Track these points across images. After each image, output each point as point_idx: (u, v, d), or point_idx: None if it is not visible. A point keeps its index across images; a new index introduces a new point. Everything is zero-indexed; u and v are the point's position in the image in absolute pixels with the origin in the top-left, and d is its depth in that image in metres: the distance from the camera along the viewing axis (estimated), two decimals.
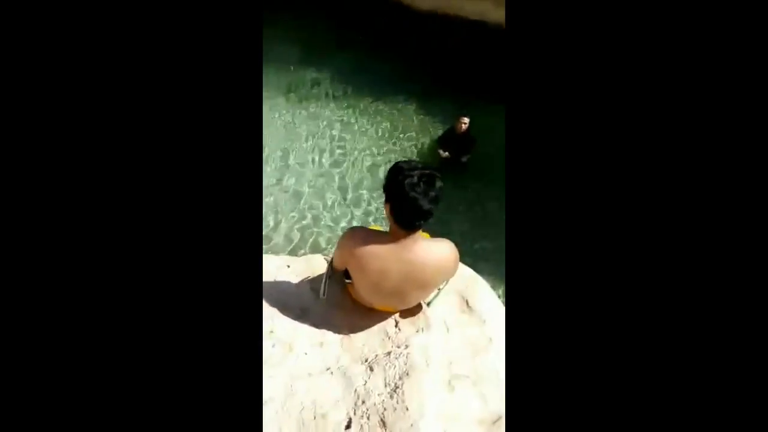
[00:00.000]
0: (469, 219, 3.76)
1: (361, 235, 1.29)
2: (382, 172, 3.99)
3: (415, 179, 1.12)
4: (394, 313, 1.63)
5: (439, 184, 1.15)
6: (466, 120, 3.89)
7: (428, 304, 1.63)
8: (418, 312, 1.63)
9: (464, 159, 4.03)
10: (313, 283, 1.75)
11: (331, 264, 1.59)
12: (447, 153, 4.04)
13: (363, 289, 1.45)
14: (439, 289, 1.62)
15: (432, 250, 1.26)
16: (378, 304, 1.54)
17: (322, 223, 3.59)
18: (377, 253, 1.24)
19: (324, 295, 1.57)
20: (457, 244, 1.33)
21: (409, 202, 1.12)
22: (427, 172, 1.14)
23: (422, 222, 1.17)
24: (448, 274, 1.38)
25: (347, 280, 1.58)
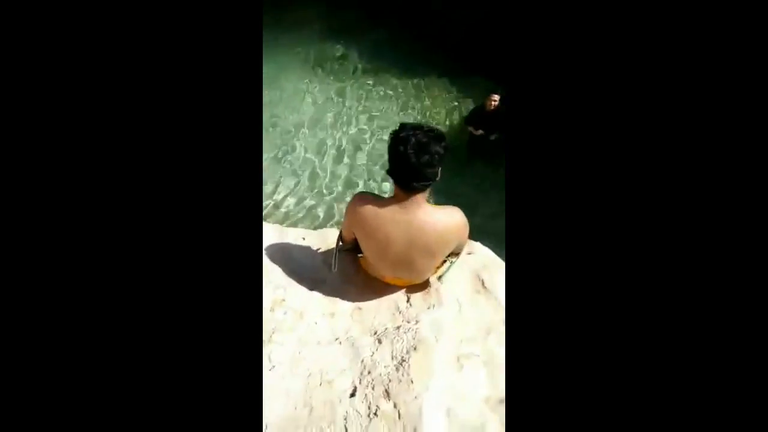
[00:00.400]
0: (497, 200, 3.65)
1: (365, 199, 1.30)
2: None
3: (412, 139, 1.12)
4: (405, 287, 1.62)
5: (436, 147, 1.14)
6: (496, 97, 3.74)
7: (440, 279, 1.60)
8: (429, 289, 1.61)
9: (493, 137, 3.90)
10: (326, 255, 1.75)
11: (340, 236, 1.58)
12: (480, 131, 3.91)
13: (371, 257, 1.45)
14: (451, 263, 1.59)
15: (435, 215, 1.26)
16: (388, 274, 1.53)
17: (345, 197, 3.59)
18: (381, 214, 1.25)
19: (335, 268, 1.57)
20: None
21: (402, 161, 1.13)
22: (426, 132, 1.14)
23: (419, 183, 1.17)
24: (452, 242, 1.35)
25: (359, 255, 1.58)
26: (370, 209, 1.27)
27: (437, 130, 1.18)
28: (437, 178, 1.19)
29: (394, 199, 1.24)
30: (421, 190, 1.20)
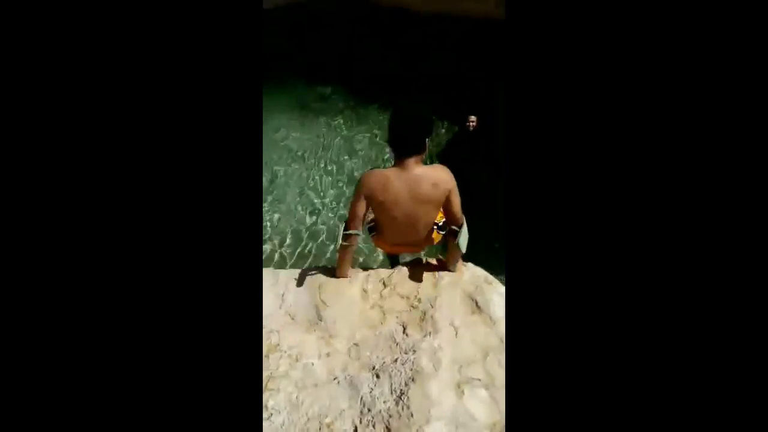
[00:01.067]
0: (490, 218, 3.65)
1: (373, 171, 1.65)
2: None
3: (407, 115, 1.51)
4: (413, 249, 1.96)
5: (426, 121, 1.55)
6: (473, 118, 3.84)
7: (458, 244, 1.67)
8: (424, 316, 1.60)
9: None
10: (320, 294, 1.75)
11: (344, 223, 1.72)
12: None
13: (382, 218, 1.72)
14: (460, 231, 1.68)
15: (427, 170, 1.59)
16: (397, 239, 1.81)
17: (331, 236, 3.58)
18: (387, 176, 1.57)
19: (339, 244, 1.73)
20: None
21: (400, 132, 1.51)
22: (418, 110, 1.55)
23: (413, 149, 1.52)
24: (442, 187, 1.59)
25: (372, 233, 1.90)
26: (378, 174, 1.59)
27: (426, 109, 1.61)
28: (426, 147, 1.56)
29: (395, 165, 1.57)
30: (415, 154, 1.53)
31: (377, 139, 4.27)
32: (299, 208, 3.72)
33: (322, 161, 4.14)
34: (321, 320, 1.63)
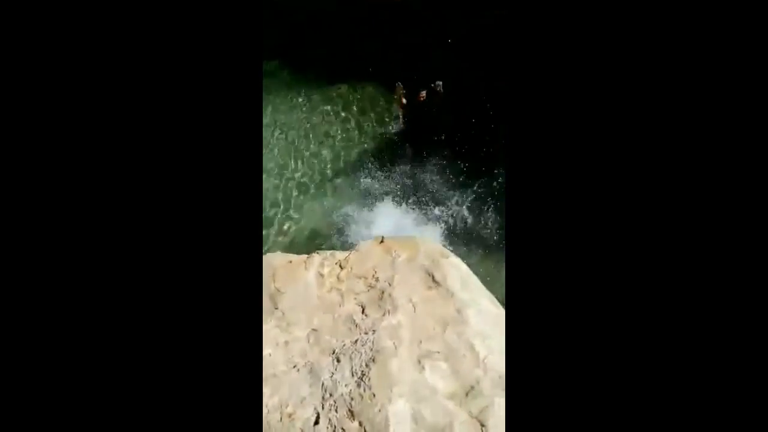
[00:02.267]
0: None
1: None
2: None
3: None
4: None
5: None
6: (423, 93, 3.83)
7: None
8: (382, 295, 1.59)
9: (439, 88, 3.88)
10: (274, 282, 1.69)
11: None
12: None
13: None
14: None
15: None
16: None
17: (291, 212, 3.48)
18: None
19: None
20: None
21: None
22: None
23: None
24: None
25: None
26: None
27: None
28: None
29: None
30: None
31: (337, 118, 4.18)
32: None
33: (281, 141, 3.99)
34: (277, 308, 1.58)
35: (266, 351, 1.41)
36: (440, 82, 3.88)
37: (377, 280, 1.68)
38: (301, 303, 1.60)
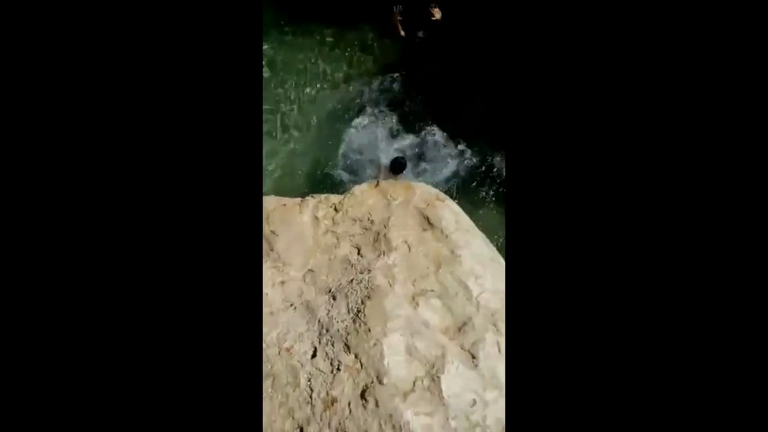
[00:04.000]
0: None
1: None
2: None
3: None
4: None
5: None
6: (437, 11, 3.46)
7: None
8: (378, 236, 1.59)
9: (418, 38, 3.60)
10: (269, 225, 1.69)
11: None
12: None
13: None
14: None
15: None
16: None
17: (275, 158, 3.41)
18: None
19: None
20: None
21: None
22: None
23: None
24: None
25: None
26: None
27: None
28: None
29: None
30: None
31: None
32: None
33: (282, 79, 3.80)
34: (272, 250, 1.59)
35: (264, 291, 1.43)
36: (435, 4, 3.47)
37: (372, 222, 1.68)
38: (296, 245, 1.61)
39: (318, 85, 3.81)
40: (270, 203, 1.79)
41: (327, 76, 3.87)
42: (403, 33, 3.62)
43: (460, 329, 1.30)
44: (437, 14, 3.44)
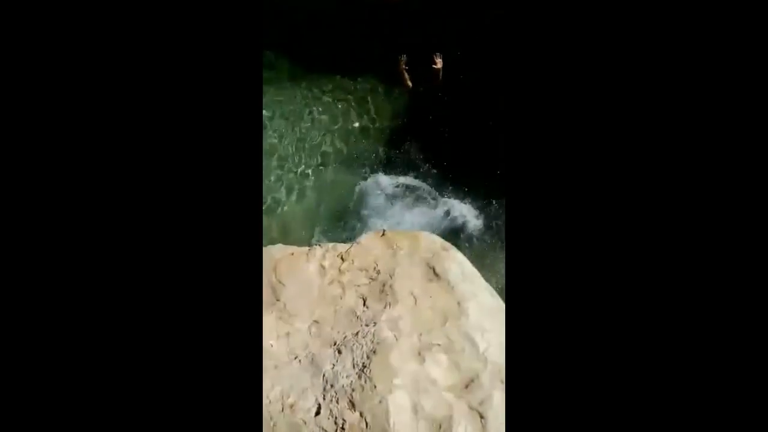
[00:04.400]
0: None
1: None
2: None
3: None
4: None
5: None
6: (439, 61, 3.60)
7: None
8: (384, 287, 1.60)
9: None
10: (276, 275, 1.70)
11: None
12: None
13: None
14: None
15: None
16: None
17: (286, 209, 3.48)
18: None
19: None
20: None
21: None
22: None
23: None
24: None
25: None
26: None
27: None
28: None
29: None
30: None
31: (340, 106, 4.10)
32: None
33: (285, 132, 3.94)
34: (278, 300, 1.59)
35: (268, 342, 1.42)
36: (440, 55, 3.62)
37: (378, 272, 1.68)
38: (302, 295, 1.61)
39: (324, 136, 3.94)
40: (277, 252, 1.81)
41: (333, 126, 4.01)
42: (410, 83, 3.79)
43: (467, 386, 1.28)
44: (439, 63, 3.62)
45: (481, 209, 3.31)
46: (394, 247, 1.80)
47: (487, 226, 3.22)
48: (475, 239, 3.13)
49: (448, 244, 1.85)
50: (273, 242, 1.98)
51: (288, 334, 1.47)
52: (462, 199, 3.39)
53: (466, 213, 3.32)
